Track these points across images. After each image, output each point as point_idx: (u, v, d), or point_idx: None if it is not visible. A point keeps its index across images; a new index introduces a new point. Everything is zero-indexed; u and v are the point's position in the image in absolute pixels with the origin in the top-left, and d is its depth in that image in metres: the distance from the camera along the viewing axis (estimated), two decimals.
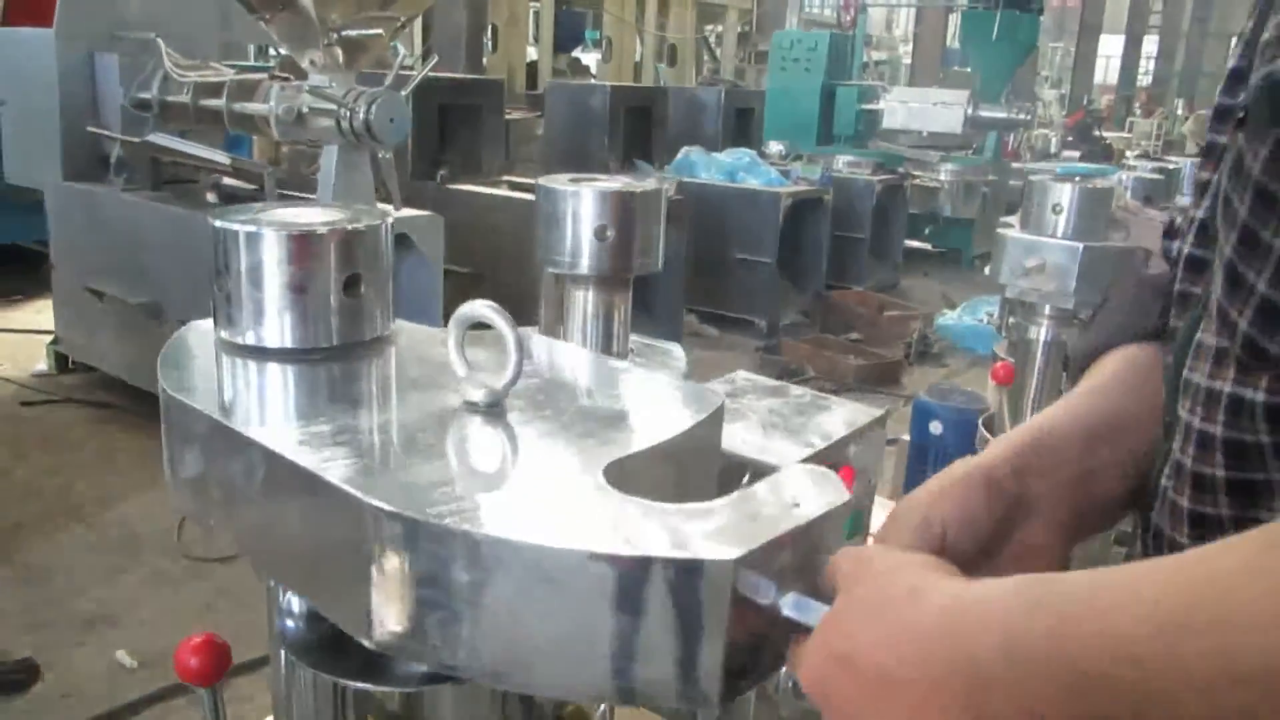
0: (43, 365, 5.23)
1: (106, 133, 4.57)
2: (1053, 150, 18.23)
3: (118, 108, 4.69)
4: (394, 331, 1.06)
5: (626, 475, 0.77)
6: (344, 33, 4.05)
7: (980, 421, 2.60)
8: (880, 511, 1.16)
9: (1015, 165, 12.35)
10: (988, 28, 9.33)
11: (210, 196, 4.97)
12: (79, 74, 4.74)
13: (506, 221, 5.76)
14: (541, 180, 1.35)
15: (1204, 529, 0.77)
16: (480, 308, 0.88)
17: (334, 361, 0.98)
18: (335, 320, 0.98)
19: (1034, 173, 2.10)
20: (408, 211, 4.59)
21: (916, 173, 9.15)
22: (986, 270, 2.24)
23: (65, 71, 4.71)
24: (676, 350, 1.52)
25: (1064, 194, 2.09)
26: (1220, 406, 0.74)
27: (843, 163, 8.52)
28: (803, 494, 0.72)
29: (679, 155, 7.40)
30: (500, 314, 0.87)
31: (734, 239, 6.86)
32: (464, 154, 6.48)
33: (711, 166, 7.21)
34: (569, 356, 1.12)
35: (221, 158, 4.13)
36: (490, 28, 11.43)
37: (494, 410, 0.88)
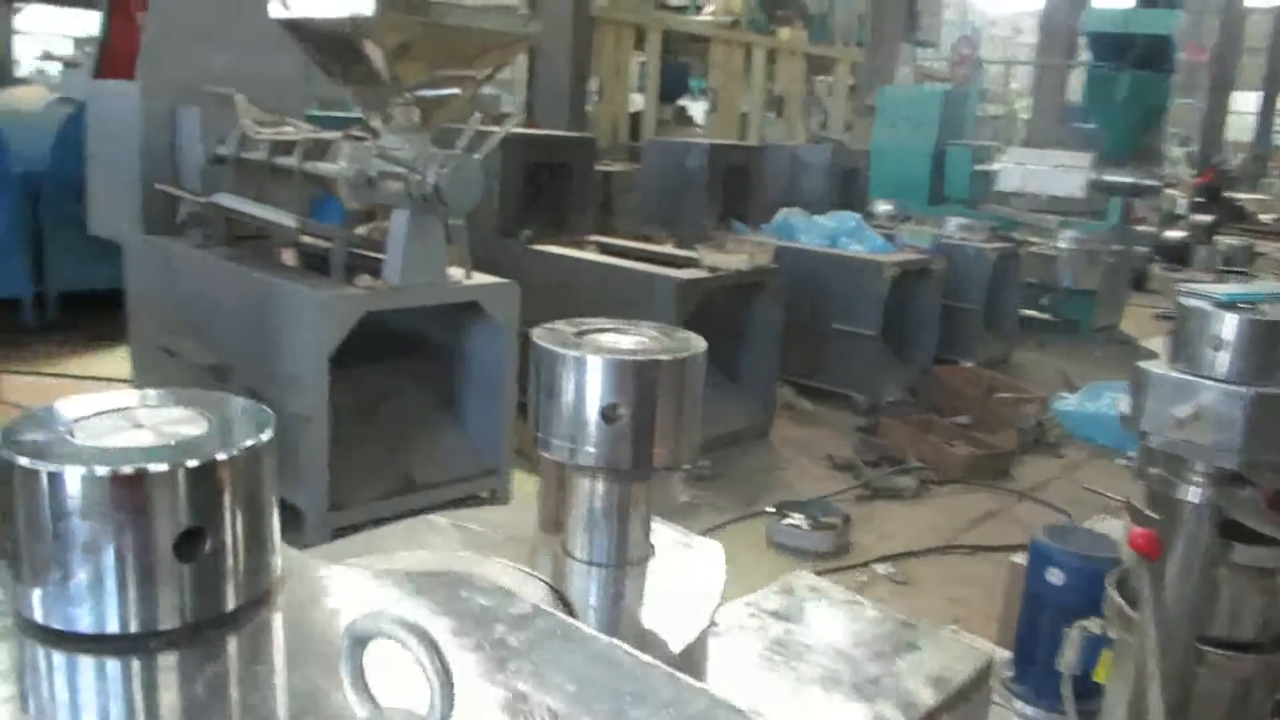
0: None
1: (171, 190, 4.45)
2: (1179, 211, 17.30)
3: (198, 163, 4.59)
4: (276, 581, 0.74)
5: None
6: (419, 93, 3.85)
7: (1112, 583, 2.17)
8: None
9: (1139, 229, 11.66)
10: (1114, 90, 8.78)
11: (287, 256, 4.83)
12: (161, 127, 4.66)
13: (590, 286, 5.50)
14: (537, 334, 1.03)
15: None
16: (385, 624, 0.56)
17: (183, 649, 0.67)
18: (168, 596, 0.67)
19: (1188, 293, 1.71)
20: (481, 278, 4.37)
21: (1033, 239, 8.61)
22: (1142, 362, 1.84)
23: (148, 124, 4.63)
24: (713, 552, 1.17)
25: (1227, 326, 1.67)
26: None
27: (954, 226, 8.06)
28: None
29: (778, 217, 7.05)
30: (414, 633, 0.55)
31: (834, 308, 6.46)
32: (552, 212, 6.27)
33: (812, 230, 6.84)
34: (551, 645, 0.78)
35: (288, 220, 3.95)
36: (596, 78, 11.33)
37: None
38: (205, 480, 0.65)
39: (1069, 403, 6.48)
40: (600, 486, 1.03)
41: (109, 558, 0.64)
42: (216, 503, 0.66)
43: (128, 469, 0.63)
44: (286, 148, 4.19)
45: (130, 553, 0.64)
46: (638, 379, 0.96)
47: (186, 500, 0.65)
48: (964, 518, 5.11)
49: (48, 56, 17.96)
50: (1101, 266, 8.75)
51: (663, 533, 1.14)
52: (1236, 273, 14.61)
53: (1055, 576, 2.39)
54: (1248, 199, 21.69)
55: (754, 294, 5.76)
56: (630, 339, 1.05)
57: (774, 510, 4.69)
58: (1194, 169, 23.54)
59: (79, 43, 17.32)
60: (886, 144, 9.10)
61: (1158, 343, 2.05)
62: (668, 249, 6.28)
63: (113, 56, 4.90)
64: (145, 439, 0.68)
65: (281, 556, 0.74)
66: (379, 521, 4.31)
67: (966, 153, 8.97)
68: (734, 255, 5.36)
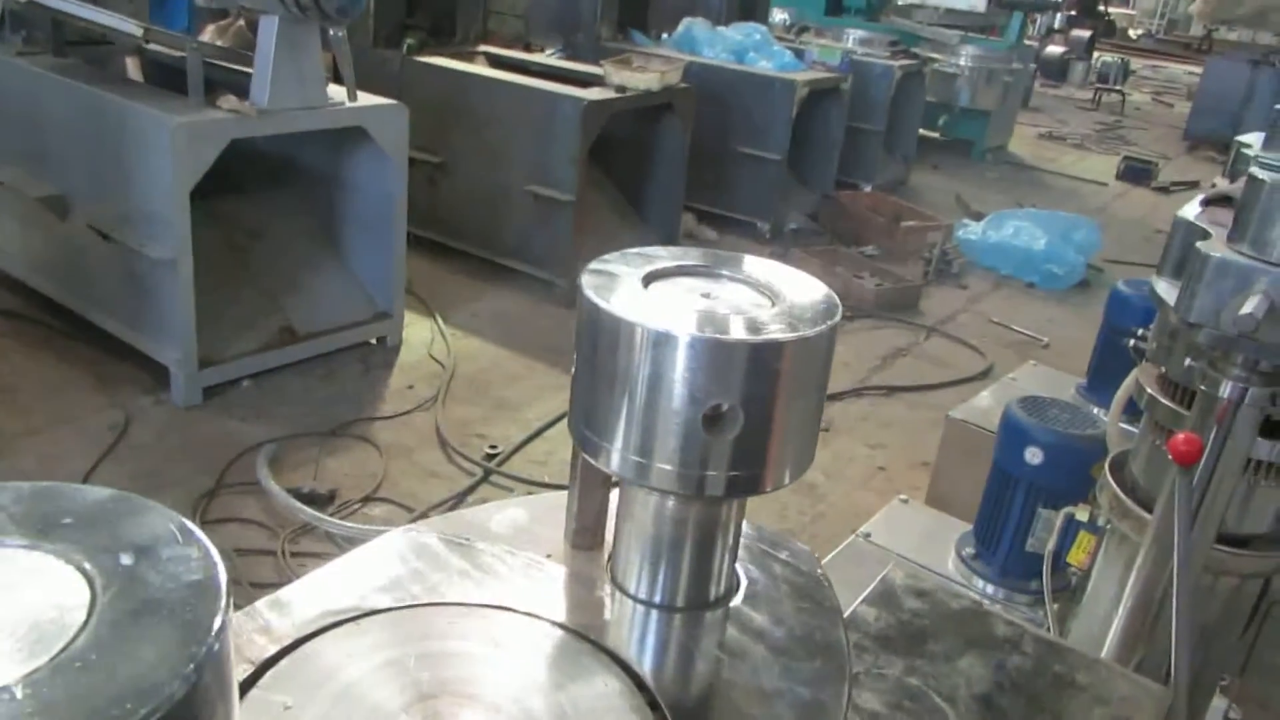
0: None
1: None
2: (1056, 26, 17.19)
3: None
4: None
5: None
6: None
7: (1107, 469, 1.99)
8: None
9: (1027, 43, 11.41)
10: None
11: (131, 68, 4.15)
12: None
13: (484, 105, 4.96)
14: (587, 282, 0.67)
15: None
16: None
17: None
18: None
19: (1262, 164, 1.42)
20: (365, 99, 3.84)
21: (934, 55, 8.30)
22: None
23: None
24: (802, 555, 0.87)
25: None
26: None
27: (854, 39, 7.67)
28: None
29: (680, 28, 6.52)
30: None
31: (740, 130, 6.08)
32: (435, 17, 5.61)
33: (716, 42, 6.35)
34: None
35: (131, 27, 3.30)
36: None
37: None
38: None
39: (972, 231, 6.38)
40: (678, 511, 0.71)
41: None
42: None
43: None
44: None
45: None
46: (756, 369, 0.62)
47: None
48: (875, 355, 4.99)
49: None
50: (1000, 85, 8.55)
51: (745, 533, 0.84)
52: (1112, 90, 14.70)
53: (1034, 456, 2.21)
54: (1119, 13, 21.76)
55: (661, 115, 5.33)
56: (728, 289, 0.71)
57: None
58: None
59: None
60: None
61: (1191, 210, 1.80)
62: (566, 64, 5.74)
63: None
64: None
65: None
66: (257, 378, 3.91)
67: None
68: (642, 73, 4.89)
